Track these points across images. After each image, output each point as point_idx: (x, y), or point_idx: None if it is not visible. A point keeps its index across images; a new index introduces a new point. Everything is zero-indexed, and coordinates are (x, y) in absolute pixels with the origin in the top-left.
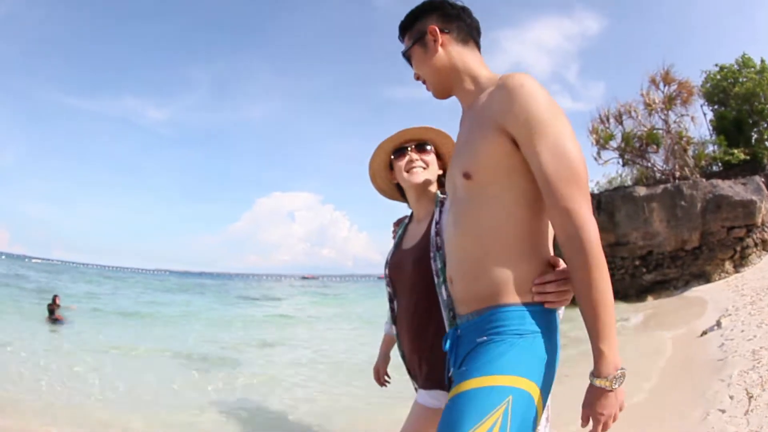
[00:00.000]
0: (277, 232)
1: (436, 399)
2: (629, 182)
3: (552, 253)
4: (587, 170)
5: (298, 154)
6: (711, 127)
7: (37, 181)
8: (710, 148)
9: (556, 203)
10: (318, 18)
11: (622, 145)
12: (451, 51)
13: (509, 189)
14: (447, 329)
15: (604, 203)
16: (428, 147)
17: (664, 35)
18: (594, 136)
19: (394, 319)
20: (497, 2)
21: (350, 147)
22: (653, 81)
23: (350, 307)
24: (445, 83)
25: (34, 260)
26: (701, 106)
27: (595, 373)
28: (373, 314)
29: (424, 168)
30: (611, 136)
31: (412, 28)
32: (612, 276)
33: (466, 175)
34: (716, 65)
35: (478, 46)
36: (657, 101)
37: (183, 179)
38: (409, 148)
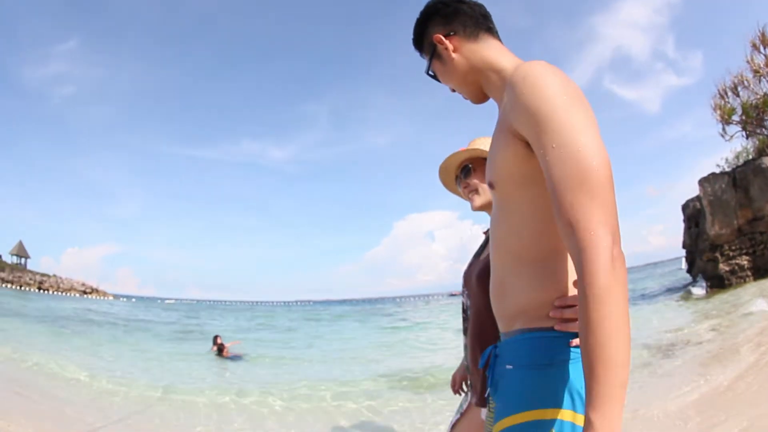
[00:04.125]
0: (418, 253)
1: None
2: (753, 155)
3: None
4: (607, 170)
5: (429, 174)
6: None
7: (163, 227)
8: None
9: (560, 214)
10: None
11: (743, 117)
12: (465, 52)
13: (530, 200)
14: None
15: (738, 180)
16: (470, 168)
17: None
18: (718, 112)
19: (465, 329)
20: None
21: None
22: (754, 46)
23: None
24: (475, 88)
25: (167, 301)
26: None
27: None
28: None
29: (476, 191)
30: (733, 110)
31: (422, 44)
32: (753, 252)
33: (491, 185)
34: None
35: (491, 32)
36: (762, 66)
37: (315, 213)
38: (457, 178)
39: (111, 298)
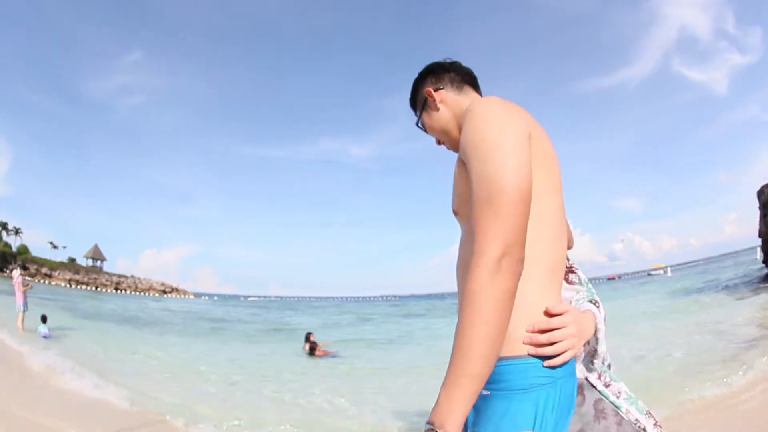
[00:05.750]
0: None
1: None
2: None
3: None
4: (517, 193)
5: None
6: None
7: (242, 227)
8: None
9: (472, 225)
10: (495, 27)
11: None
12: (450, 103)
13: None
14: None
15: None
16: None
17: None
18: None
19: None
20: None
21: (559, 147)
22: None
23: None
24: (456, 137)
25: (250, 298)
26: None
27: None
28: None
29: None
30: None
31: (415, 101)
32: None
33: (454, 212)
34: None
35: (475, 87)
36: None
37: (398, 208)
38: None
39: (192, 296)
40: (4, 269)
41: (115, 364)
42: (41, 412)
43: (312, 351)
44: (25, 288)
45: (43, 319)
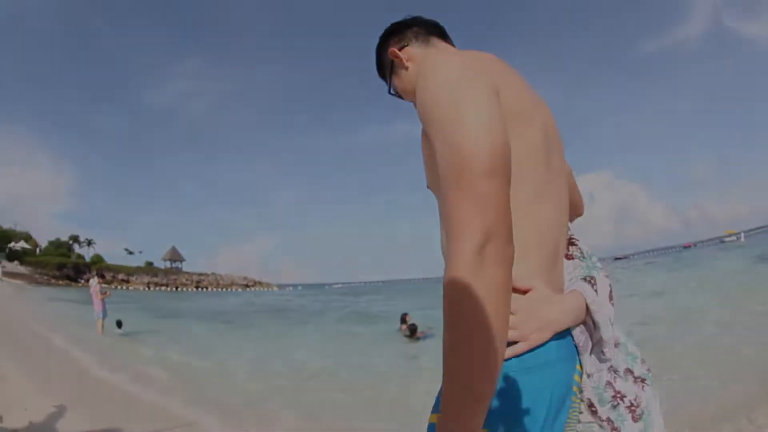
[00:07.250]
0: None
1: None
2: None
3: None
4: (485, 160)
5: (582, 134)
6: None
7: (321, 215)
8: None
9: (444, 206)
10: (541, 9)
11: None
12: (418, 60)
13: None
14: None
15: None
16: None
17: None
18: None
19: None
20: None
21: (631, 114)
22: None
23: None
24: None
25: (335, 286)
26: None
27: None
28: None
29: None
30: None
31: (382, 66)
32: None
33: (428, 186)
34: None
35: (444, 37)
36: None
37: None
38: None
39: (275, 288)
40: (78, 279)
41: (185, 363)
42: (99, 410)
43: (412, 333)
44: (103, 296)
45: (119, 324)
